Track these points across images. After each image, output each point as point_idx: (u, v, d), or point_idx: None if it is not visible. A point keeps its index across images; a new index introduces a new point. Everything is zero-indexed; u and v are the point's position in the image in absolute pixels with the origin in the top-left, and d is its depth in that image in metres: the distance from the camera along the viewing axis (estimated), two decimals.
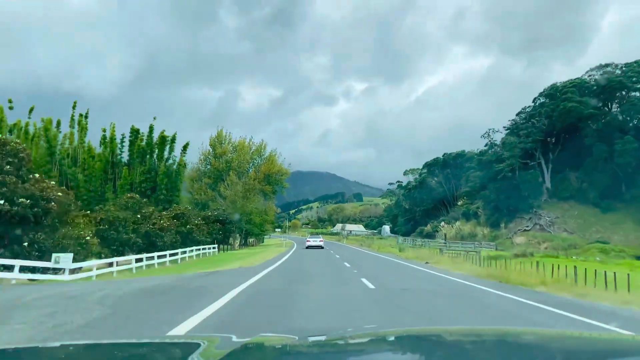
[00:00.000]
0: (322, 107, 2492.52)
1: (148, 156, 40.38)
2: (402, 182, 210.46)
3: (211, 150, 67.90)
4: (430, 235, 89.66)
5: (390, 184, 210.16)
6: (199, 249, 35.86)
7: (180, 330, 7.27)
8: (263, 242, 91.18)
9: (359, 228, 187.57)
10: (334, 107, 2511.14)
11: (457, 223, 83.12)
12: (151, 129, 41.08)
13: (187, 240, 35.35)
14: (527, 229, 73.37)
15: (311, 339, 2.25)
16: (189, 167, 66.96)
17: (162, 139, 41.48)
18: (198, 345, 2.03)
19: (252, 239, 74.83)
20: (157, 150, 40.84)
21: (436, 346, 2.21)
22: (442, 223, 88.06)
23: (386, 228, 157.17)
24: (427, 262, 29.60)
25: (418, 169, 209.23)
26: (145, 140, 40.55)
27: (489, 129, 76.93)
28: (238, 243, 54.81)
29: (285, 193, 70.40)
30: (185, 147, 43.90)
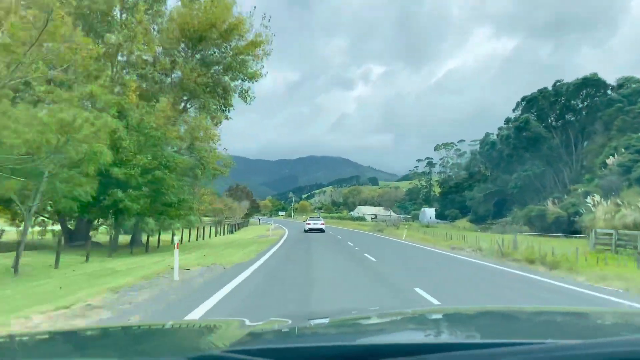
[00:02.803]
0: (339, 91, 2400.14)
1: None
2: (432, 158, 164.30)
3: None
4: (562, 225, 42.55)
5: (419, 160, 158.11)
6: None
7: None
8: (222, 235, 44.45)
9: (386, 212, 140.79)
10: (351, 91, 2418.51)
11: None
12: None
13: None
14: None
15: (322, 321, 2.22)
16: None
17: None
18: (215, 327, 2.10)
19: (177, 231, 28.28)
20: None
21: (443, 324, 2.13)
22: (593, 197, 40.30)
23: (428, 211, 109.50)
24: None
25: (452, 143, 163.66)
26: None
27: None
28: None
29: (252, 99, 23.59)
30: None
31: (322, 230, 42.60)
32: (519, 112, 61.50)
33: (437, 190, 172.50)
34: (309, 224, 45.06)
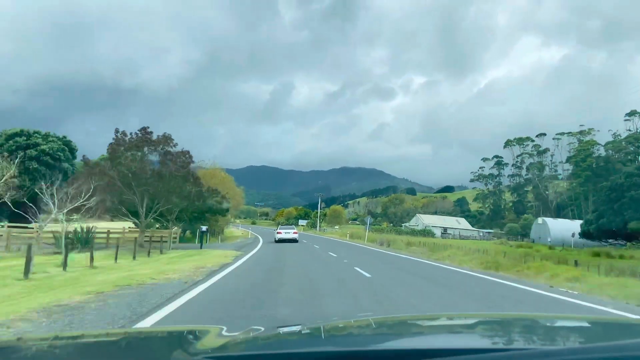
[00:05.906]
0: (377, 102, 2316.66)
1: None
2: (501, 157, 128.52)
3: None
4: None
5: (485, 159, 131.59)
6: None
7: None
8: None
9: (459, 224, 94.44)
10: (390, 101, 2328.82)
11: None
12: None
13: None
14: None
15: (297, 329, 2.17)
16: None
17: None
18: (193, 335, 2.02)
19: None
20: None
21: (426, 331, 2.09)
22: None
23: (564, 225, 61.56)
24: None
25: (529, 138, 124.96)
26: None
27: None
28: None
29: None
30: None
31: (295, 240, 39.28)
32: None
33: (508, 196, 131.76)
34: (279, 232, 41.24)
